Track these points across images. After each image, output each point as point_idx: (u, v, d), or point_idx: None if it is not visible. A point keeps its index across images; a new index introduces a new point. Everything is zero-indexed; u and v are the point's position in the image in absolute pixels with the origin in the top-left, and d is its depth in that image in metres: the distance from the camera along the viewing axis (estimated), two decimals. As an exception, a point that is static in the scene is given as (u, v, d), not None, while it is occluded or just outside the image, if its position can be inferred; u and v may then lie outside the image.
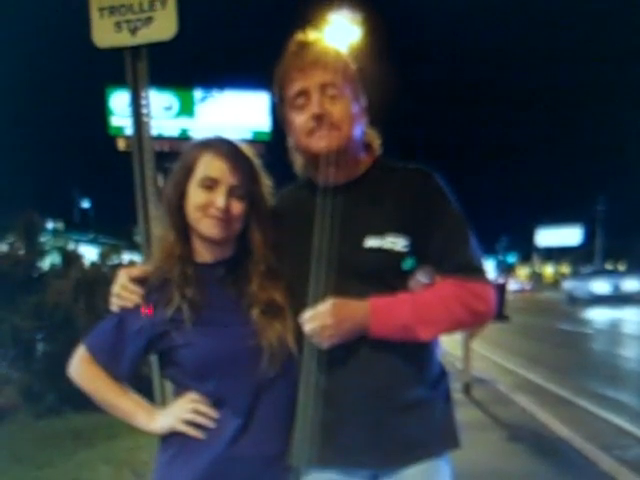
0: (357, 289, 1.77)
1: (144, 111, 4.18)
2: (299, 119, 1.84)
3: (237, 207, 1.81)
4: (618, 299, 28.42)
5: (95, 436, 5.90)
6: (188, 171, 1.82)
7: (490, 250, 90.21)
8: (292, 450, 1.81)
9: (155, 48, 4.14)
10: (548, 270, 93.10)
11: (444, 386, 1.93)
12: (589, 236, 68.05)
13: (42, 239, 8.24)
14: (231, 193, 1.80)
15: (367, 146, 1.97)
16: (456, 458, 1.89)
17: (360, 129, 1.90)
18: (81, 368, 1.83)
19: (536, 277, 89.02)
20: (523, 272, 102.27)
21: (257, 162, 1.92)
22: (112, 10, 4.05)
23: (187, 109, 20.88)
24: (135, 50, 4.13)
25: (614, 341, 15.03)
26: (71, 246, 8.95)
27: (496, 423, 6.57)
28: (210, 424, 1.77)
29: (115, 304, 1.82)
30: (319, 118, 1.79)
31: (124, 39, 4.07)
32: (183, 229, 1.85)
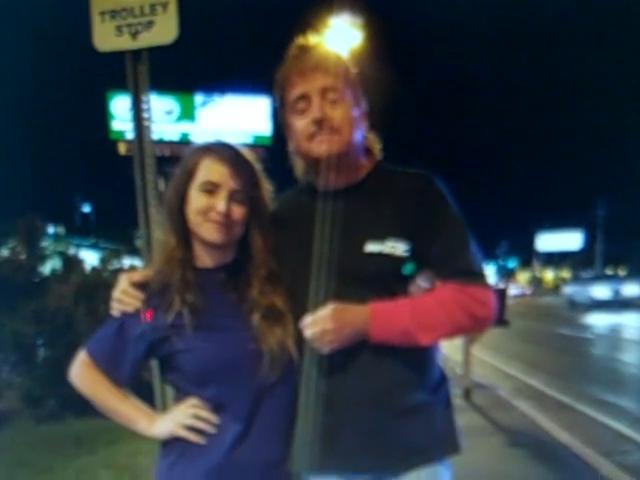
0: (357, 294, 1.76)
1: (145, 115, 4.20)
2: (300, 123, 1.83)
3: (238, 211, 1.81)
4: (618, 304, 28.38)
5: (96, 441, 5.89)
6: (189, 175, 1.82)
7: (490, 255, 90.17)
8: (292, 455, 1.81)
9: (156, 52, 4.15)
10: (548, 275, 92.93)
11: (444, 391, 1.93)
12: (589, 241, 68.00)
13: (43, 244, 8.23)
14: (232, 197, 1.79)
15: (367, 150, 1.97)
16: (456, 463, 1.89)
17: (361, 133, 1.90)
18: (82, 373, 1.83)
19: (536, 282, 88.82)
20: (523, 277, 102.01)
21: (258, 166, 1.92)
22: (113, 14, 4.07)
23: (188, 113, 20.87)
24: (136, 54, 4.15)
25: (614, 346, 15.00)
26: (72, 251, 8.94)
27: (496, 428, 6.56)
28: (211, 429, 1.76)
29: (116, 309, 1.82)
30: (320, 122, 1.79)
31: (125, 43, 4.09)
32: (184, 234, 1.84)
